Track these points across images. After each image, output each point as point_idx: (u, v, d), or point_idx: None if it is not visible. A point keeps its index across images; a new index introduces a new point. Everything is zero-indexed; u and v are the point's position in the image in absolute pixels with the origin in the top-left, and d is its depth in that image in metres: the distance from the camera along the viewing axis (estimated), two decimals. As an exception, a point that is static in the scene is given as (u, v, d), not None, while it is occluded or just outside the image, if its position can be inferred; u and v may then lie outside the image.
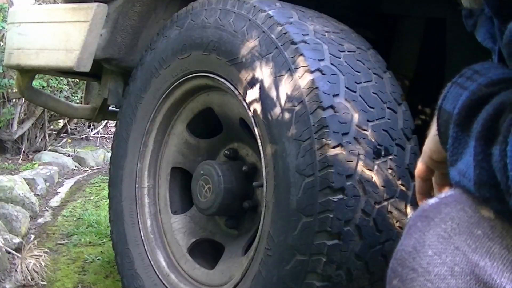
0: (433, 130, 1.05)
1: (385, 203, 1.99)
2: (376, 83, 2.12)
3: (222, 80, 2.29)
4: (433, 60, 3.03)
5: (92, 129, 9.20)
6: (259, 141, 2.12)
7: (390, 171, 2.01)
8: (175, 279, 2.52)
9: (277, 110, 2.03)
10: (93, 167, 7.29)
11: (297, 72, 2.00)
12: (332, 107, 1.95)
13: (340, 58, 2.09)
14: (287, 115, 1.99)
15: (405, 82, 2.93)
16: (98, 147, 8.51)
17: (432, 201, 0.91)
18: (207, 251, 2.65)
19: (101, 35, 2.83)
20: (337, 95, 1.98)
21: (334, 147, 1.91)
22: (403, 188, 2.04)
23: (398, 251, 0.89)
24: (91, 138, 9.05)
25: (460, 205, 0.86)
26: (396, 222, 2.02)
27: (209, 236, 2.64)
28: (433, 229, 0.86)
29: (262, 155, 2.10)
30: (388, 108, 2.10)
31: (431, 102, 3.08)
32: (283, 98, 2.02)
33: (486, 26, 1.01)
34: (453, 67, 2.76)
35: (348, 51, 2.15)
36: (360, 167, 1.94)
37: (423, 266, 0.84)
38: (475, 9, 1.04)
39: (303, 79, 1.98)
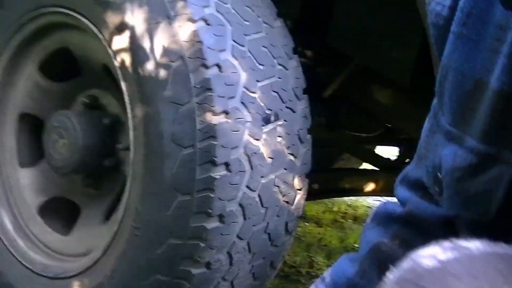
0: None
1: (272, 176, 1.80)
2: (266, 34, 1.87)
3: (83, 19, 1.95)
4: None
5: None
6: (126, 98, 1.83)
7: (279, 139, 1.80)
8: (23, 245, 2.19)
9: (151, 65, 1.74)
10: None
11: (177, 20, 1.71)
12: (217, 65, 1.69)
13: (227, 4, 1.79)
14: (162, 72, 1.71)
15: (287, 22, 2.67)
16: None
17: (427, 262, 0.69)
18: (61, 213, 2.33)
19: None
20: (224, 50, 1.71)
21: (218, 114, 1.66)
22: (291, 158, 1.84)
23: None
24: None
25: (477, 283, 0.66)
26: (283, 196, 1.83)
27: (63, 194, 2.31)
28: None
29: (130, 115, 1.81)
30: (279, 64, 1.86)
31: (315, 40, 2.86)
32: (158, 51, 1.73)
33: None
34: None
35: (235, -6, 1.86)
36: (247, 137, 1.72)
37: None
38: None
39: (184, 29, 1.70)
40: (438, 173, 0.87)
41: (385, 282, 0.73)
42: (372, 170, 3.33)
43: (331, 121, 2.80)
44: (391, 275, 0.72)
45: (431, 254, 0.71)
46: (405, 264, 0.72)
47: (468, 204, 0.84)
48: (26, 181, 2.33)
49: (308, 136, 1.92)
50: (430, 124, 0.92)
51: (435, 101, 0.92)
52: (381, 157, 3.25)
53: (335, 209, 4.29)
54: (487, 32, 0.81)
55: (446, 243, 0.72)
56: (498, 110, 0.78)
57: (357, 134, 3.06)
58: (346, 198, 4.36)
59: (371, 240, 1.02)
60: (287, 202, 1.85)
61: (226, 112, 1.67)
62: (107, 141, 2.13)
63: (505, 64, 0.77)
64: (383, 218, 1.04)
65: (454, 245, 0.72)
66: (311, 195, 2.19)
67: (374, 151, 3.41)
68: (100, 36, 1.89)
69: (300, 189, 1.90)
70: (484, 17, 0.82)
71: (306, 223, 3.78)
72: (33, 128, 2.39)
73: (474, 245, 0.72)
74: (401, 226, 1.00)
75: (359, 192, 3.29)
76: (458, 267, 0.69)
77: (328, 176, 3.27)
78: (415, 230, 0.99)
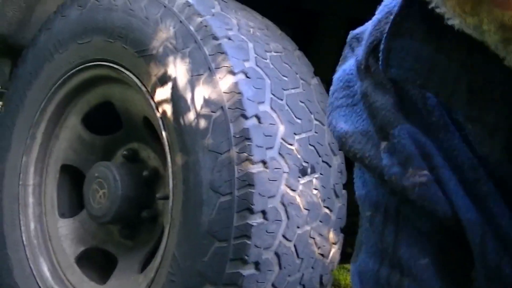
0: None
1: (307, 227, 1.79)
2: (304, 90, 1.90)
3: (127, 72, 2.00)
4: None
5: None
6: (167, 147, 1.85)
7: (315, 191, 1.80)
8: (61, 293, 2.21)
9: (192, 115, 1.77)
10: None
11: (218, 72, 1.75)
12: (256, 116, 1.71)
13: (266, 59, 1.84)
14: (203, 122, 1.74)
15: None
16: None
17: None
18: (98, 262, 2.35)
19: (-12, 7, 2.48)
20: (263, 102, 1.74)
21: (256, 163, 1.67)
22: (327, 211, 1.84)
23: None
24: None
25: None
26: (318, 248, 1.82)
27: (100, 245, 2.34)
28: None
29: (169, 164, 1.84)
30: (316, 119, 1.88)
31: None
32: (199, 102, 1.76)
33: None
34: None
35: (275, 52, 1.91)
36: (284, 187, 1.72)
37: None
38: None
39: (225, 81, 1.73)
40: None
41: None
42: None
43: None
44: None
45: None
46: None
47: None
48: (65, 231, 2.36)
49: (344, 191, 1.93)
50: None
51: None
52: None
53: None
54: None
55: None
56: None
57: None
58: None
59: None
60: (322, 254, 1.84)
61: (264, 162, 1.68)
62: (146, 193, 2.15)
63: None
64: None
65: None
66: (347, 257, 2.16)
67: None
68: (143, 88, 1.94)
69: (335, 243, 1.89)
70: None
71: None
72: (73, 179, 2.44)
73: None
74: None
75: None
76: None
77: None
78: None
